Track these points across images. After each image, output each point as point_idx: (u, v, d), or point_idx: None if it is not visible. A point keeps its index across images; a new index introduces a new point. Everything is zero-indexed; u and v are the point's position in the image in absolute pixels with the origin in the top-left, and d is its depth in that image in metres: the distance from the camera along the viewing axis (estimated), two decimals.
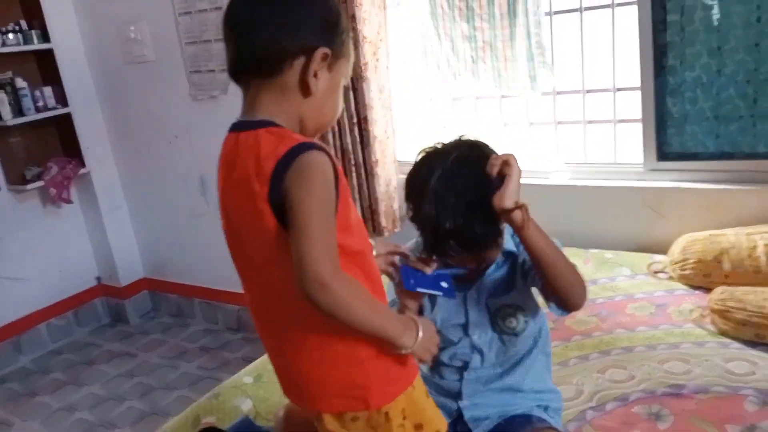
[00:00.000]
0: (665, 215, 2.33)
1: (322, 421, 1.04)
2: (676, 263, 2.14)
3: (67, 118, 3.44)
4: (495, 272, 1.39)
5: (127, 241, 3.79)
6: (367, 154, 2.73)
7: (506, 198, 1.16)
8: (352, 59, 1.05)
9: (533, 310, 1.41)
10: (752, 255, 2.01)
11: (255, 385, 1.87)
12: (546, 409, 1.46)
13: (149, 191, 3.66)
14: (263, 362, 2.00)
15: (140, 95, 3.46)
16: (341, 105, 1.06)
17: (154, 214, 3.71)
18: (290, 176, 0.91)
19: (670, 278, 2.17)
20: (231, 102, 3.11)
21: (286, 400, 1.77)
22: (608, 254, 2.37)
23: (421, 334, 1.03)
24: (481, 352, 1.41)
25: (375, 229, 2.83)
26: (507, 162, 1.18)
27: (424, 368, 1.44)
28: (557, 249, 1.25)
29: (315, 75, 0.97)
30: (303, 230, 0.90)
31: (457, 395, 1.43)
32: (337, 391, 1.02)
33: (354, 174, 2.78)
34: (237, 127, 1.00)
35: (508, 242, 1.39)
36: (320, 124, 1.04)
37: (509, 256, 1.40)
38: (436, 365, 1.45)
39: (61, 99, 3.43)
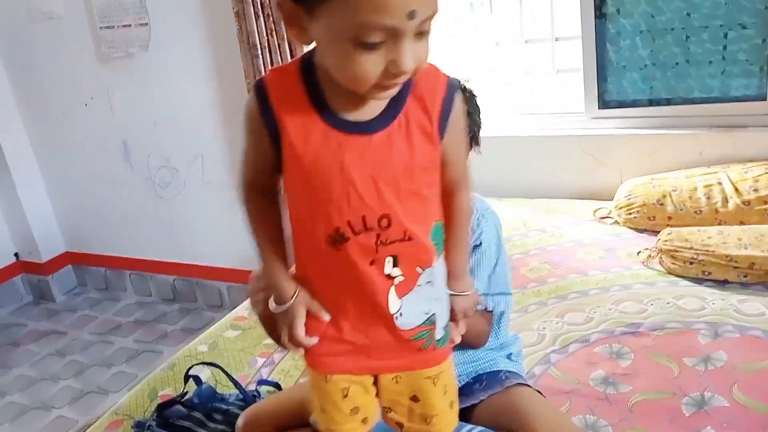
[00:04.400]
0: (607, 162, 2.38)
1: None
2: (621, 208, 2.20)
3: None
4: None
5: (45, 213, 3.53)
6: None
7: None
8: (364, 5, 0.71)
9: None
10: (693, 196, 2.09)
11: (211, 353, 1.79)
12: (509, 355, 1.47)
13: (66, 159, 3.41)
14: (217, 329, 1.92)
15: (50, 55, 3.18)
16: (353, 68, 0.75)
17: (73, 184, 3.46)
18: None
19: (616, 223, 2.23)
20: (152, 59, 2.92)
21: (244, 369, 1.72)
22: (554, 203, 2.40)
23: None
24: None
25: None
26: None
27: None
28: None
29: (290, 24, 0.80)
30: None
31: None
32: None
33: None
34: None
35: None
36: (342, 82, 0.82)
37: None
38: None
39: None
